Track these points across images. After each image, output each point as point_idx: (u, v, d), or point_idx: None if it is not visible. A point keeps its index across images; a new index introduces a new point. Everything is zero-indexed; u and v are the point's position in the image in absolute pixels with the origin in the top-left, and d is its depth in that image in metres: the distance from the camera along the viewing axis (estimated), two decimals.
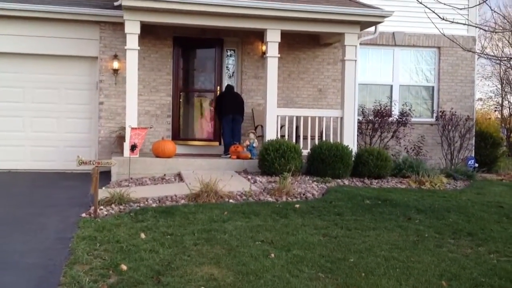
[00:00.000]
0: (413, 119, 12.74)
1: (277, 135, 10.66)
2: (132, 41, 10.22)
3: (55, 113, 11.59)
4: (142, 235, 5.96)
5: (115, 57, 11.49)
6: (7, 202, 8.04)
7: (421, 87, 13.57)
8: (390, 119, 12.35)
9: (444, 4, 7.71)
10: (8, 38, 11.23)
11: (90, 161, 7.20)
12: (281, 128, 10.97)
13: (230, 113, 11.27)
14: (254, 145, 10.85)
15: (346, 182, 9.80)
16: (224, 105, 11.31)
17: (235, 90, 11.83)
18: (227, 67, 12.53)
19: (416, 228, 6.76)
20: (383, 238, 6.28)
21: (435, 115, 13.36)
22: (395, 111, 12.83)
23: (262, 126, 11.29)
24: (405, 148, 12.73)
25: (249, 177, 9.64)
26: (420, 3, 7.53)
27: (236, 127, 11.25)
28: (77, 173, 10.84)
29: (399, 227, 6.80)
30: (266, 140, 10.36)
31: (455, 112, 13.01)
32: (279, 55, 10.79)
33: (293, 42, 12.29)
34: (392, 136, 12.42)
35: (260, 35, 11.65)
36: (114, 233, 6.00)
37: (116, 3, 10.95)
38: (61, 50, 11.47)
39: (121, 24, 10.75)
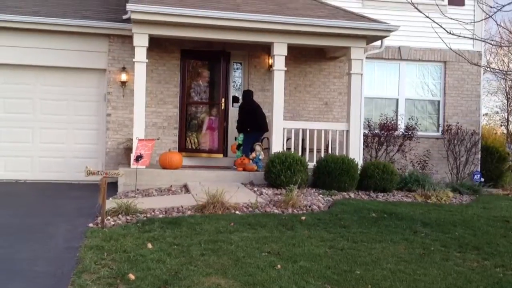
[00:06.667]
0: (419, 133, 12.77)
1: (283, 148, 10.70)
2: (141, 54, 10.32)
3: (63, 125, 11.69)
4: (149, 245, 6.00)
5: (123, 69, 11.61)
6: (16, 212, 8.10)
7: (426, 101, 13.61)
8: (396, 132, 12.38)
9: (451, 18, 7.82)
10: (19, 50, 11.37)
11: (98, 171, 7.27)
12: (287, 140, 11.02)
13: (264, 130, 11.24)
14: (260, 157, 10.89)
15: (352, 195, 9.82)
16: (259, 121, 11.21)
17: (242, 103, 11.82)
18: (233, 80, 12.63)
19: (422, 242, 6.77)
20: (389, 251, 6.29)
21: (441, 129, 13.39)
22: (401, 125, 12.86)
23: (268, 139, 11.33)
24: (411, 162, 12.75)
25: (255, 189, 9.68)
26: (427, 17, 7.63)
27: (258, 141, 11.23)
28: (84, 184, 10.91)
29: (405, 240, 6.81)
30: (272, 153, 10.40)
31: (461, 126, 13.04)
32: (285, 69, 10.87)
33: (300, 56, 12.38)
34: (398, 150, 12.44)
35: (266, 49, 11.76)
36: (121, 243, 6.04)
37: (125, 17, 11.10)
38: (70, 62, 11.60)
39: (130, 37, 10.88)
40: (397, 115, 13.21)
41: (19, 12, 11.32)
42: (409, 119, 13.05)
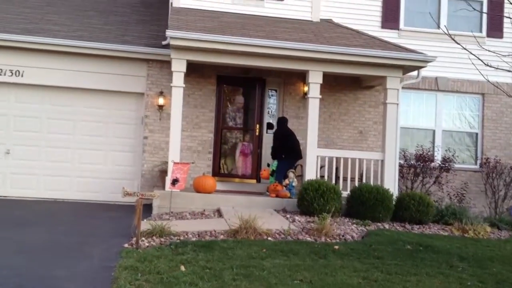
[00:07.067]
0: (456, 165, 12.55)
1: (316, 175, 10.66)
2: (178, 78, 10.52)
3: (101, 146, 11.93)
4: (182, 268, 6.04)
5: (161, 93, 11.84)
6: (54, 230, 8.27)
7: (464, 133, 13.41)
8: (433, 164, 12.20)
9: (489, 50, 7.76)
10: (61, 72, 11.71)
11: (134, 192, 7.40)
12: (320, 168, 10.98)
13: (297, 157, 11.25)
14: (294, 184, 10.87)
15: (386, 226, 9.67)
16: (293, 148, 11.25)
17: (276, 130, 11.87)
18: (268, 106, 12.71)
19: (459, 276, 6.61)
20: (424, 284, 6.16)
21: (478, 162, 13.14)
22: (438, 157, 12.67)
23: (301, 166, 11.32)
24: (448, 194, 12.50)
25: (288, 216, 9.64)
26: (464, 48, 7.59)
27: (291, 168, 11.24)
28: (119, 204, 11.07)
29: (441, 274, 6.65)
30: (306, 180, 10.37)
31: (500, 160, 12.77)
32: (320, 96, 10.90)
33: (335, 84, 12.40)
34: (435, 182, 12.24)
35: (302, 76, 11.84)
36: (155, 264, 6.10)
37: (164, 42, 11.41)
38: (110, 86, 11.89)
39: (168, 62, 11.12)
40: (433, 146, 13.01)
41: (63, 36, 11.71)
42: (446, 150, 12.86)
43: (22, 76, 11.62)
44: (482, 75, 8.61)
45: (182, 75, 10.53)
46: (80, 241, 7.49)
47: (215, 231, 8.10)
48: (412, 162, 12.18)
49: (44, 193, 11.66)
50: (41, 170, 11.73)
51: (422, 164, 12.09)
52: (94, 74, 11.83)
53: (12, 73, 11.57)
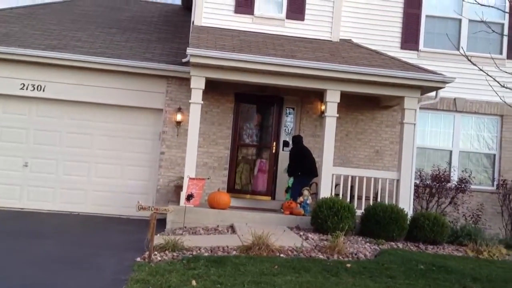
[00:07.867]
0: (472, 187, 12.45)
1: (331, 194, 10.65)
2: (197, 95, 10.65)
3: (118, 160, 12.10)
4: (194, 282, 6.08)
5: (179, 110, 12.00)
6: (67, 243, 8.39)
7: (482, 154, 13.30)
8: (449, 184, 12.12)
9: (507, 72, 7.75)
10: (81, 88, 11.93)
11: (149, 207, 7.49)
12: (335, 186, 10.98)
13: (313, 175, 11.25)
14: (308, 202, 10.87)
15: (400, 245, 9.61)
16: (309, 166, 11.28)
17: (292, 148, 11.92)
18: (285, 124, 12.79)
19: None
20: None
21: (495, 183, 13.00)
22: (454, 177, 12.58)
23: (316, 184, 11.33)
24: (463, 215, 12.38)
25: (301, 233, 9.64)
26: (481, 69, 7.61)
27: (306, 186, 11.29)
28: (133, 219, 11.18)
29: None
30: (320, 198, 10.38)
31: None
32: (337, 115, 10.94)
33: (352, 103, 12.43)
34: (450, 202, 12.14)
35: (319, 95, 11.90)
36: (166, 278, 6.15)
37: (184, 60, 11.60)
38: (129, 101, 12.08)
39: (187, 79, 11.28)
40: (450, 167, 12.94)
41: (85, 52, 11.97)
42: (462, 171, 12.77)
43: (43, 90, 11.88)
44: (499, 96, 8.60)
45: (201, 92, 10.66)
46: (93, 253, 7.58)
47: (227, 246, 8.13)
48: (428, 182, 12.12)
49: (60, 206, 11.84)
50: (57, 183, 11.93)
51: (438, 184, 12.02)
52: (114, 90, 12.03)
53: (34, 88, 11.85)
